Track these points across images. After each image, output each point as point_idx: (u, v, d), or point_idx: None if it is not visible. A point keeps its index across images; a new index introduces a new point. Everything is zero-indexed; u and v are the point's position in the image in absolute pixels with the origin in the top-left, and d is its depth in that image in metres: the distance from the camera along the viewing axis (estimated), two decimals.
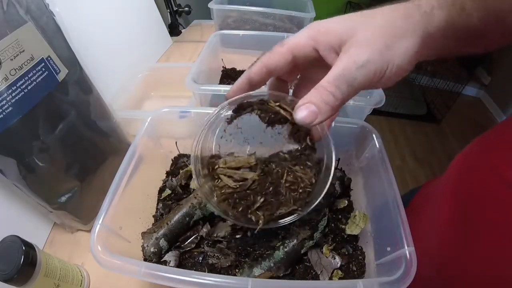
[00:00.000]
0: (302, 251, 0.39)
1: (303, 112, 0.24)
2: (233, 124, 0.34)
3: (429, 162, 1.92)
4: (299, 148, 0.34)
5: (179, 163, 0.52)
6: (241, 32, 0.73)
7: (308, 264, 0.40)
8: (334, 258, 0.40)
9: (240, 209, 0.32)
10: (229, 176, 0.33)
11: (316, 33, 0.26)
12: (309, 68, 0.29)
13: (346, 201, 0.47)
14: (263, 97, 0.31)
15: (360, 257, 0.41)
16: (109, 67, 0.68)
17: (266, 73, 0.28)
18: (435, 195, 0.43)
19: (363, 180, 0.47)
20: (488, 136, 0.36)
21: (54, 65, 0.39)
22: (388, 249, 0.34)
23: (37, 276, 0.32)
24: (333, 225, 0.44)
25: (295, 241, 0.39)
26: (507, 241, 0.29)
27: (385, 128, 2.13)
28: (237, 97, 0.30)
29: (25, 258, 0.31)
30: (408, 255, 0.31)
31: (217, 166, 0.33)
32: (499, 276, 0.30)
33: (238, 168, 0.33)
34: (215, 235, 0.42)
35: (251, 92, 0.30)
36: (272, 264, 0.37)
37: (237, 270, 0.39)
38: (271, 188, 0.33)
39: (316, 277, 0.39)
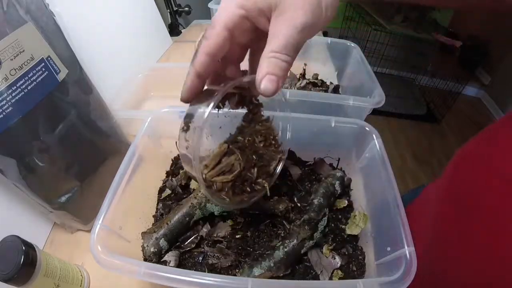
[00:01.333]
0: (302, 251, 0.39)
1: (267, 84, 0.25)
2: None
3: (429, 162, 1.92)
4: (249, 110, 0.37)
5: (179, 163, 0.52)
6: None
7: (308, 264, 0.40)
8: (334, 258, 0.40)
9: (248, 189, 0.35)
10: (219, 175, 0.34)
11: (243, 1, 0.26)
12: (252, 41, 0.30)
13: (346, 201, 0.47)
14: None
15: (360, 257, 0.41)
16: (109, 67, 0.68)
17: (211, 60, 0.27)
18: (434, 193, 0.44)
19: (363, 180, 0.47)
20: (485, 133, 0.36)
21: (54, 65, 0.39)
22: (388, 249, 0.34)
23: (37, 276, 0.32)
24: (333, 225, 0.44)
25: (295, 241, 0.39)
26: (503, 234, 0.29)
27: (385, 128, 2.13)
28: (215, 99, 0.28)
29: (25, 258, 0.31)
30: (408, 255, 0.31)
31: (204, 176, 0.34)
32: (497, 271, 0.30)
33: (219, 162, 0.34)
34: (215, 235, 0.42)
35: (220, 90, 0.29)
36: (272, 264, 0.37)
37: (237, 270, 0.39)
38: (254, 156, 0.35)
39: (316, 277, 0.39)
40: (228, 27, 0.26)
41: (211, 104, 0.28)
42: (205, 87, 0.31)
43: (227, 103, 0.34)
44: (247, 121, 0.37)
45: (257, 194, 0.37)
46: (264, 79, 0.25)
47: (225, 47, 0.27)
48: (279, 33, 0.25)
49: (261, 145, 0.36)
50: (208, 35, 0.27)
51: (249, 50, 0.32)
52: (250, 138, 0.36)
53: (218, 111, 0.33)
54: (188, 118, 0.30)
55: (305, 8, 0.24)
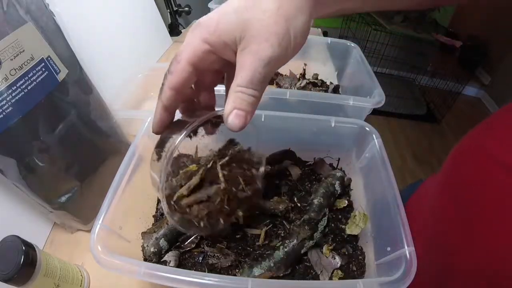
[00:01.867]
0: (302, 251, 0.39)
1: (234, 120, 0.25)
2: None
3: (429, 162, 1.92)
4: (225, 147, 0.38)
5: (179, 163, 0.52)
6: None
7: (308, 264, 0.40)
8: (334, 258, 0.40)
9: (221, 220, 0.36)
10: (193, 204, 0.34)
11: (207, 35, 0.25)
12: (224, 67, 0.29)
13: (346, 201, 0.47)
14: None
15: (360, 257, 0.41)
16: (109, 67, 0.68)
17: (177, 94, 0.27)
18: (432, 188, 0.44)
19: (363, 180, 0.47)
20: (481, 126, 0.36)
21: (54, 65, 0.39)
22: (388, 249, 0.34)
23: (37, 276, 0.32)
24: (333, 225, 0.44)
25: (295, 241, 0.39)
26: (502, 223, 0.29)
27: (385, 128, 2.13)
28: (182, 137, 0.29)
29: (25, 258, 0.31)
30: (408, 255, 0.31)
31: (175, 200, 0.34)
32: (499, 260, 0.30)
33: (194, 189, 0.35)
34: None
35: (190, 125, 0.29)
36: (272, 264, 0.37)
37: (237, 270, 0.39)
38: (234, 188, 0.36)
39: (316, 277, 0.39)
40: (192, 62, 0.26)
41: (179, 139, 0.28)
42: (178, 118, 0.31)
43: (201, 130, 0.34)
44: (226, 155, 0.38)
45: (230, 221, 0.38)
46: (231, 115, 0.25)
47: (190, 80, 0.27)
48: (245, 67, 0.24)
49: (241, 179, 0.37)
50: (173, 70, 0.26)
51: (225, 74, 0.32)
52: (230, 173, 0.36)
53: (191, 139, 0.33)
54: (160, 148, 0.31)
55: (271, 40, 0.23)
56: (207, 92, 0.32)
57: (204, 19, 0.25)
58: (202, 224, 0.34)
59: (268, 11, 0.23)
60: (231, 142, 0.39)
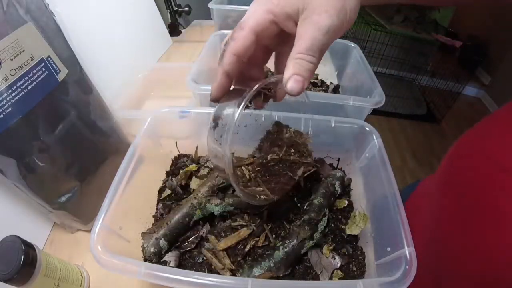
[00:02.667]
0: (302, 251, 0.39)
1: (293, 85, 0.27)
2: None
3: (429, 162, 1.92)
4: (275, 131, 0.40)
5: (179, 163, 0.52)
6: None
7: (308, 264, 0.40)
8: (334, 258, 0.40)
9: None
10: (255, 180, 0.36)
11: (271, 6, 0.27)
12: (277, 44, 0.31)
13: (346, 201, 0.47)
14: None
15: (360, 257, 0.41)
16: (109, 67, 0.68)
17: (237, 60, 0.29)
18: (431, 188, 0.44)
19: (363, 180, 0.47)
20: (479, 126, 0.36)
21: (54, 65, 0.39)
22: (388, 249, 0.34)
23: (37, 276, 0.32)
24: (333, 225, 0.44)
25: (295, 241, 0.39)
26: (502, 223, 0.29)
27: (385, 128, 2.13)
28: (249, 95, 0.29)
29: (25, 258, 0.31)
30: (408, 255, 0.31)
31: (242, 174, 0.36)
32: (499, 259, 0.30)
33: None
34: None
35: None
36: (272, 264, 0.37)
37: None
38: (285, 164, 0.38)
39: (316, 277, 0.39)
40: (255, 31, 0.28)
41: (242, 104, 0.29)
42: (232, 87, 0.32)
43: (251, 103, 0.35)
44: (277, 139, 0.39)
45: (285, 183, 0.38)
46: (291, 80, 0.27)
47: (251, 49, 0.29)
48: (305, 36, 0.26)
49: (296, 156, 0.39)
50: (236, 37, 0.28)
51: (274, 53, 0.34)
52: (281, 152, 0.38)
53: (244, 110, 0.33)
54: (218, 115, 0.32)
55: (330, 11, 0.26)
56: (258, 69, 0.34)
57: None
58: (262, 197, 0.36)
59: None
60: (279, 125, 0.39)
